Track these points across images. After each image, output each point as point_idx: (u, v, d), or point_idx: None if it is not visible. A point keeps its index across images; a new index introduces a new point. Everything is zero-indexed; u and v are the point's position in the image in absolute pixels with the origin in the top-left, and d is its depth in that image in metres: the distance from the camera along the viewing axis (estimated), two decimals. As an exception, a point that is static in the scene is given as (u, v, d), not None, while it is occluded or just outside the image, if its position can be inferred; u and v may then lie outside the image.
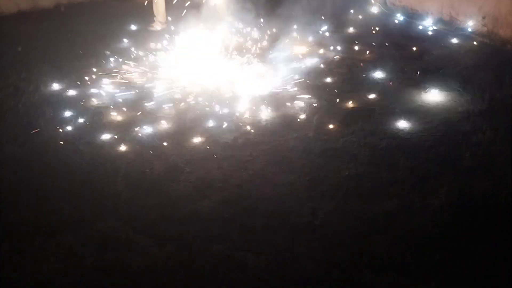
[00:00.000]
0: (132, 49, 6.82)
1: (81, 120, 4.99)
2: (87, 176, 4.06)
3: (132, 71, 6.15)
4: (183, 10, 7.56)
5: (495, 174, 3.76)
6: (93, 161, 4.29)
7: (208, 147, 4.40)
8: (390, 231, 3.29)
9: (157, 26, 7.71)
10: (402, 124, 4.55)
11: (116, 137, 4.65)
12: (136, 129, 4.78)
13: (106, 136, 4.67)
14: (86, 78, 5.98)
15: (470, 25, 6.41)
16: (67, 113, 5.14)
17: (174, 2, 7.99)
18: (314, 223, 3.42)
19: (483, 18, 6.19)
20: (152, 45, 6.96)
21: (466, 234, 3.21)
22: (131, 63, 6.36)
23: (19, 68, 6.36)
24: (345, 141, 4.35)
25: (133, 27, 7.84)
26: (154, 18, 7.71)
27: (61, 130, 4.81)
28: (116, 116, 5.07)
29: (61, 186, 3.93)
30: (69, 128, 4.86)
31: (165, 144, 4.49)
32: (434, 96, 5.03)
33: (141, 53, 6.67)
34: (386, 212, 3.46)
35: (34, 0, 9.08)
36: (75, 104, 5.37)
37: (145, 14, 8.11)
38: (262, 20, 7.39)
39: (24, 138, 4.69)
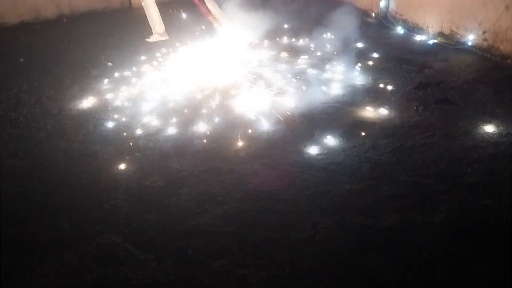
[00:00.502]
0: (135, 59, 6.85)
1: (82, 133, 5.00)
2: (88, 190, 4.06)
3: (133, 83, 6.18)
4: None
5: (496, 191, 3.75)
6: (93, 174, 4.28)
7: (208, 160, 4.41)
8: (391, 247, 3.28)
9: (155, 37, 7.71)
10: (404, 138, 4.56)
11: (117, 150, 4.65)
12: (137, 142, 4.79)
13: (107, 149, 4.67)
14: (88, 89, 6.01)
15: (470, 39, 6.45)
16: (68, 126, 5.15)
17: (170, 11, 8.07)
18: (315, 238, 3.40)
19: (484, 32, 6.22)
20: (155, 54, 7.01)
21: (467, 252, 3.19)
22: (133, 74, 6.40)
23: (21, 79, 6.40)
24: (346, 155, 4.35)
25: (136, 37, 7.88)
26: (153, 30, 7.76)
27: (62, 143, 4.82)
28: (117, 128, 5.08)
29: (61, 200, 3.93)
30: (70, 141, 4.86)
31: (166, 157, 4.49)
32: (434, 110, 5.03)
33: (144, 63, 6.71)
34: (387, 228, 3.44)
35: (37, 11, 9.17)
36: (77, 116, 5.39)
37: (146, 23, 8.16)
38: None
39: (25, 151, 4.70)
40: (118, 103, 5.64)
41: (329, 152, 4.42)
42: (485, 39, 6.26)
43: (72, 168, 4.39)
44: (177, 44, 7.51)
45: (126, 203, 3.87)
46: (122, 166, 4.37)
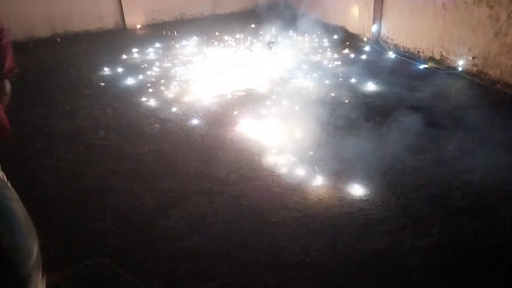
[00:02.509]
0: (127, 79, 6.88)
1: (72, 152, 4.97)
2: (76, 211, 4.00)
3: (126, 101, 6.18)
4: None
5: (486, 215, 3.76)
6: (82, 194, 4.24)
7: (200, 181, 4.38)
8: (381, 271, 3.25)
9: None
10: (394, 161, 4.57)
11: (107, 170, 4.62)
12: (127, 162, 4.76)
13: (97, 169, 4.63)
14: (80, 108, 6.00)
15: (460, 64, 6.57)
16: (59, 145, 5.12)
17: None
18: (306, 261, 3.37)
19: (473, 58, 6.34)
20: (147, 73, 7.04)
21: (457, 275, 3.18)
22: (126, 93, 6.41)
23: (12, 98, 6.35)
24: (337, 178, 4.35)
25: (128, 56, 7.93)
26: None
27: (51, 162, 4.78)
28: (107, 148, 5.05)
29: (49, 220, 3.86)
30: (59, 160, 4.82)
31: (156, 177, 4.46)
32: (425, 134, 5.07)
33: (136, 81, 6.73)
34: (378, 252, 3.42)
35: (31, 30, 9.22)
36: (67, 135, 5.36)
37: (141, 43, 8.24)
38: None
39: (13, 170, 4.63)
40: (109, 122, 5.63)
41: (320, 174, 4.41)
42: (475, 65, 6.37)
43: (61, 188, 4.34)
44: (172, 71, 7.56)
45: (115, 224, 3.82)
46: (112, 186, 4.33)
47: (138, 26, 9.93)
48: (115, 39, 9.20)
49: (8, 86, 3.23)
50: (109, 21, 9.88)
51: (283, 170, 4.52)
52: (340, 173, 4.43)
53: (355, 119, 5.46)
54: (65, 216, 3.93)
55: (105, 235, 3.69)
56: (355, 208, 3.92)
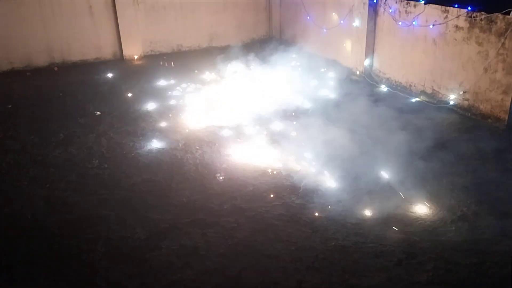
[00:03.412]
0: (123, 108, 6.90)
1: (65, 181, 4.92)
2: (66, 241, 3.94)
3: (121, 131, 6.18)
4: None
5: (481, 250, 3.73)
6: (73, 224, 4.17)
7: (193, 212, 4.34)
8: (377, 307, 3.20)
9: None
10: (388, 194, 4.57)
11: (99, 199, 4.57)
12: (120, 191, 4.72)
13: (89, 198, 4.59)
14: (74, 137, 5.99)
15: (452, 98, 6.67)
16: (51, 173, 5.08)
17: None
18: (300, 297, 3.31)
19: (464, 92, 6.46)
20: (143, 103, 7.08)
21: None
22: (121, 123, 6.42)
23: (7, 125, 6.36)
24: (332, 210, 4.33)
25: (126, 87, 7.98)
26: None
27: (43, 191, 4.73)
28: (101, 178, 5.01)
29: (38, 251, 3.79)
30: (52, 189, 4.78)
31: (149, 208, 4.42)
32: (418, 166, 5.09)
33: (131, 111, 6.76)
34: (373, 287, 3.37)
35: (29, 59, 9.28)
36: (60, 164, 5.33)
37: (136, 74, 8.31)
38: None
39: (4, 199, 4.59)
40: (103, 151, 5.61)
41: (314, 207, 4.40)
42: (466, 99, 6.48)
43: (52, 217, 4.28)
44: (168, 102, 7.61)
45: (105, 255, 3.75)
46: (104, 216, 4.28)
47: (136, 57, 10.04)
48: (112, 69, 9.28)
49: None
50: (107, 52, 9.99)
51: (277, 201, 4.50)
52: (335, 205, 4.41)
53: (343, 152, 5.49)
54: (54, 246, 3.86)
55: (95, 267, 3.61)
56: (349, 241, 3.89)
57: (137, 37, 10.07)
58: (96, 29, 9.74)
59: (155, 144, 5.78)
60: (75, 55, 9.71)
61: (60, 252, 3.80)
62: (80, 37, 9.63)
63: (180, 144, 5.76)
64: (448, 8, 6.48)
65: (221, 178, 4.95)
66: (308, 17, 9.73)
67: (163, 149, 5.64)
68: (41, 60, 9.42)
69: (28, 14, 9.07)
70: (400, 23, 7.37)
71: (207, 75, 8.54)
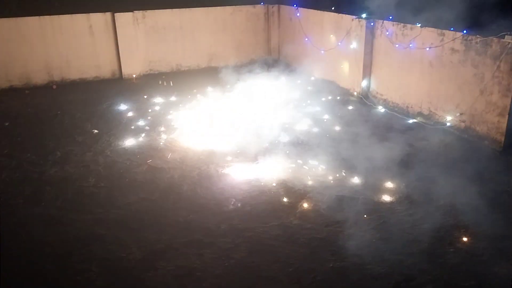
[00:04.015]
0: (120, 127, 6.90)
1: (60, 200, 4.89)
2: (61, 261, 3.88)
3: (118, 149, 6.17)
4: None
5: (479, 273, 3.70)
6: (68, 244, 4.12)
7: (189, 232, 4.30)
8: (376, 331, 3.15)
9: None
10: (386, 215, 4.55)
11: (95, 219, 4.53)
12: (116, 211, 4.68)
13: (84, 217, 4.55)
14: (71, 155, 5.97)
15: (448, 120, 6.72)
16: (47, 192, 5.05)
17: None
18: (297, 320, 3.26)
19: (461, 114, 6.50)
20: (141, 122, 7.09)
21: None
22: (119, 141, 6.41)
23: (3, 143, 6.35)
24: (330, 231, 4.30)
25: (124, 106, 8.00)
26: None
27: (39, 209, 4.68)
28: (97, 196, 4.98)
29: (32, 271, 3.73)
30: (47, 207, 4.73)
31: (144, 227, 4.38)
32: (416, 187, 5.08)
33: (129, 130, 6.76)
34: (372, 310, 3.33)
35: (28, 77, 9.35)
36: (56, 182, 5.30)
37: (135, 93, 8.34)
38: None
39: (-1, 216, 4.54)
40: (100, 170, 5.59)
41: (312, 227, 4.36)
42: (462, 121, 6.52)
43: (47, 236, 4.23)
44: (167, 121, 7.63)
45: (100, 276, 3.69)
46: (99, 236, 4.23)
47: (134, 76, 10.11)
48: (111, 88, 9.33)
49: None
50: (106, 70, 10.06)
51: (274, 221, 4.46)
52: (332, 225, 4.38)
53: (342, 172, 5.48)
54: (48, 266, 3.80)
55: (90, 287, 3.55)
56: (347, 262, 3.85)
57: (136, 56, 10.17)
58: (95, 48, 9.85)
59: (152, 163, 5.76)
60: (74, 73, 9.78)
61: (55, 271, 3.74)
62: (79, 56, 9.72)
63: (177, 163, 5.75)
64: (444, 31, 6.58)
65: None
66: (306, 39, 9.86)
67: (160, 168, 5.62)
68: (40, 78, 9.48)
69: (28, 32, 9.18)
70: (397, 45, 7.47)
71: (206, 94, 8.58)
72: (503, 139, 5.92)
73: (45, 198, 4.93)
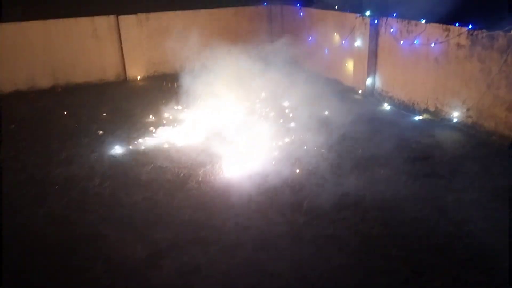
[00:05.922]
0: (126, 128, 6.90)
1: (65, 200, 4.88)
2: (65, 260, 3.87)
3: (123, 149, 6.17)
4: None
5: (489, 267, 3.63)
6: (73, 243, 4.11)
7: (194, 230, 4.26)
8: (384, 327, 3.09)
9: None
10: (394, 211, 4.49)
11: (100, 218, 4.51)
12: (120, 210, 4.66)
13: (89, 216, 4.53)
14: (76, 156, 5.97)
15: (455, 116, 6.64)
16: (52, 192, 5.04)
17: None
18: (304, 317, 3.21)
19: (468, 110, 6.43)
20: (146, 121, 7.08)
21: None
22: (123, 142, 6.41)
23: (9, 146, 6.36)
24: (336, 228, 4.25)
25: (129, 107, 8.00)
26: None
27: (43, 210, 4.68)
28: (101, 197, 4.97)
29: (36, 269, 3.72)
30: (52, 208, 4.73)
31: (150, 225, 4.35)
32: (423, 184, 5.02)
33: (135, 130, 6.76)
34: (380, 306, 3.27)
35: (33, 81, 9.38)
36: (61, 183, 5.29)
37: (140, 95, 8.34)
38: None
39: (5, 217, 4.53)
40: (105, 170, 5.58)
41: (318, 224, 4.32)
42: (469, 116, 6.45)
43: (51, 236, 4.22)
44: (172, 119, 7.62)
45: (105, 274, 3.67)
46: (104, 235, 4.21)
47: (139, 78, 10.14)
48: (116, 90, 9.35)
49: None
50: (110, 73, 10.09)
51: (280, 218, 4.42)
52: (339, 221, 4.33)
53: (348, 170, 5.43)
54: (53, 265, 3.79)
55: (95, 286, 3.53)
56: (354, 258, 3.80)
57: (140, 58, 10.20)
58: (100, 51, 9.88)
59: (157, 162, 5.74)
60: (79, 76, 9.81)
61: (59, 270, 3.72)
62: (84, 59, 9.76)
63: (182, 162, 5.72)
64: (449, 26, 6.52)
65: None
66: (310, 38, 9.82)
67: (165, 167, 5.60)
68: (45, 81, 9.52)
69: (33, 36, 9.23)
70: (401, 42, 7.41)
71: (210, 94, 8.55)
72: (511, 134, 5.84)
73: (51, 198, 4.92)
